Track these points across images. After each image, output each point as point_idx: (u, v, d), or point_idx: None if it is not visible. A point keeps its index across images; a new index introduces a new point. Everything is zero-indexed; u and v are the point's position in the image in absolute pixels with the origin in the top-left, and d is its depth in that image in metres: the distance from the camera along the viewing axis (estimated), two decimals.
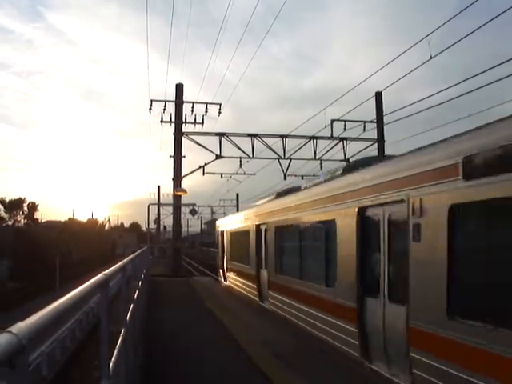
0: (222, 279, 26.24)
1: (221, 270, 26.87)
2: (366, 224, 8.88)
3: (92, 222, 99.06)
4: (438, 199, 6.40)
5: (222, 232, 26.53)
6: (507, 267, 5.42)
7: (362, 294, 8.76)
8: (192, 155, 34.82)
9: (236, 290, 21.60)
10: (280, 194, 16.27)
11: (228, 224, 25.29)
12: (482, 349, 5.45)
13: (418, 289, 6.80)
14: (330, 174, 12.12)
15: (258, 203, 19.35)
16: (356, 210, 9.02)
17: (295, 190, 14.78)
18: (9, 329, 1.46)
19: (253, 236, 18.19)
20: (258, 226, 17.58)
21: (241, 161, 29.61)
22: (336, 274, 10.09)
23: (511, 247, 5.43)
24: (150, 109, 28.54)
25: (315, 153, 29.73)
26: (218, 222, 30.63)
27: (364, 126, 30.17)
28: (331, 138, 29.65)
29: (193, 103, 28.73)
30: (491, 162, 5.48)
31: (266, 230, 16.54)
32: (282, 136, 29.22)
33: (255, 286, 17.72)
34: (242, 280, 20.66)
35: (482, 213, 6.09)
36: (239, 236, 21.55)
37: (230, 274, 24.05)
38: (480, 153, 5.65)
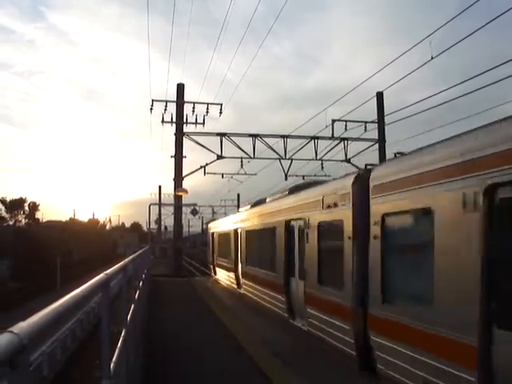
0: (213, 273, 30.06)
1: (211, 266, 30.51)
2: (288, 231, 13.45)
3: (93, 222, 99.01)
4: (314, 219, 11.06)
5: (212, 233, 30.31)
6: (333, 253, 9.96)
7: (287, 275, 13.34)
8: (193, 155, 34.86)
9: (221, 281, 26.04)
10: (253, 205, 20.03)
11: (216, 227, 29.50)
12: (332, 301, 9.75)
13: (308, 270, 11.36)
14: (280, 193, 16.16)
15: (240, 210, 24.45)
16: (284, 222, 13.64)
17: (261, 201, 18.74)
18: (10, 329, 1.46)
19: (232, 237, 22.32)
20: (235, 230, 21.78)
21: (242, 161, 29.62)
22: (275, 264, 14.57)
23: (331, 241, 10.39)
24: (151, 109, 28.55)
25: (316, 153, 29.72)
26: (209, 225, 34.14)
27: (365, 127, 30.15)
28: (332, 138, 29.62)
29: (194, 103, 28.72)
30: (330, 200, 10.08)
31: (240, 233, 20.67)
32: (283, 136, 29.21)
33: (234, 277, 21.87)
34: (226, 273, 24.50)
35: (325, 226, 10.64)
36: (224, 237, 25.35)
37: (217, 269, 27.70)
38: (325, 196, 10.46)
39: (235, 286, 21.47)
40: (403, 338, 6.92)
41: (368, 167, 9.33)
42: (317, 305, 10.69)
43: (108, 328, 3.65)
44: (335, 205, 9.70)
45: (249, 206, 20.77)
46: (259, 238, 17.38)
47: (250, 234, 18.89)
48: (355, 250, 8.67)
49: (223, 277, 25.43)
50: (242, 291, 20.10)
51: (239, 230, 20.82)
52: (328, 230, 10.47)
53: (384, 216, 7.78)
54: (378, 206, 7.97)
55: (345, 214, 9.13)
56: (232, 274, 22.18)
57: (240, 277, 20.53)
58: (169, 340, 10.87)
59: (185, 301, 18.64)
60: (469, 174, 5.71)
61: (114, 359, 4.00)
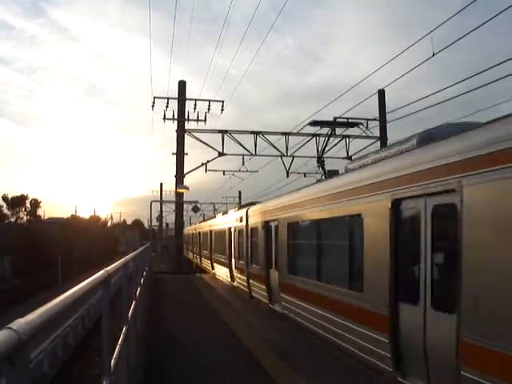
0: (198, 261, 40.59)
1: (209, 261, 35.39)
2: (230, 233, 23.45)
3: (94, 219, 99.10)
4: (237, 226, 21.57)
5: (192, 234, 45.70)
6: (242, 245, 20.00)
7: (230, 258, 23.09)
8: (195, 152, 35.03)
9: (203, 266, 36.79)
10: (224, 212, 30.00)
11: (193, 229, 46.70)
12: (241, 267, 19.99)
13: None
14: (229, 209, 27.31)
15: (218, 215, 31.94)
16: (227, 228, 23.88)
17: (225, 212, 29.33)
18: (8, 325, 1.44)
19: (208, 236, 32.63)
20: (210, 231, 32.06)
21: (243, 158, 29.56)
22: (225, 250, 24.26)
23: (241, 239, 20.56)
24: (153, 106, 28.47)
25: (318, 150, 29.66)
26: (186, 229, 47.82)
27: (367, 124, 30.10)
28: (334, 135, 29.56)
29: (195, 100, 28.71)
30: (240, 218, 21.03)
31: (210, 232, 31.77)
32: (285, 133, 29.15)
33: (210, 263, 31.71)
34: (205, 260, 35.05)
35: (240, 231, 20.76)
36: (204, 236, 36.29)
37: (202, 258, 37.91)
38: (240, 216, 21.10)
39: (210, 269, 31.76)
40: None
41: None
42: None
43: (109, 325, 3.64)
44: (241, 220, 20.56)
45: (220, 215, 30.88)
46: (220, 237, 27.26)
47: (214, 234, 30.72)
48: (246, 242, 19.53)
49: (205, 262, 35.90)
50: (215, 273, 29.64)
51: (208, 231, 33.31)
52: (240, 233, 21.07)
53: (251, 226, 18.88)
54: (249, 222, 19.17)
55: (243, 225, 20.03)
56: (208, 261, 32.72)
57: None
58: (169, 335, 10.89)
59: (185, 300, 18.65)
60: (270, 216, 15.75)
61: (114, 356, 3.99)
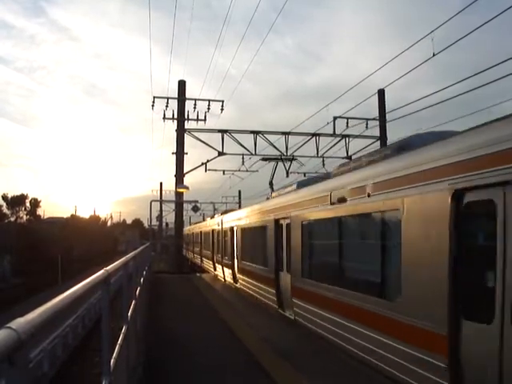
0: (191, 257, 45.20)
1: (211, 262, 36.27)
2: (217, 233, 27.59)
3: (94, 219, 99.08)
4: (218, 229, 26.71)
5: (187, 234, 48.90)
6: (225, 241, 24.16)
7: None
8: (194, 152, 35.07)
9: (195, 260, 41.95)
10: (211, 217, 36.22)
11: (187, 230, 50.24)
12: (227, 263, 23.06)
13: (219, 249, 25.92)
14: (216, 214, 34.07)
15: (207, 219, 37.34)
16: (217, 229, 26.71)
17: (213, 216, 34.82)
18: (8, 324, 1.44)
19: (199, 236, 38.51)
20: (200, 232, 37.08)
21: (243, 158, 29.57)
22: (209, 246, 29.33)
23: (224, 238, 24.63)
24: (153, 106, 28.48)
25: (317, 150, 29.68)
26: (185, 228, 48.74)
27: (366, 124, 30.12)
28: (334, 135, 29.59)
29: (195, 100, 28.72)
30: (217, 223, 27.99)
31: (201, 233, 36.80)
32: (285, 133, 29.16)
33: (199, 257, 38.09)
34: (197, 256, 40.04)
35: (218, 232, 26.72)
36: (196, 235, 41.46)
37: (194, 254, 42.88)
38: (216, 222, 27.96)
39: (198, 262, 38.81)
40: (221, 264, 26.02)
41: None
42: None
43: (108, 324, 3.64)
44: (219, 225, 26.18)
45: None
46: (206, 237, 32.71)
47: (203, 235, 35.99)
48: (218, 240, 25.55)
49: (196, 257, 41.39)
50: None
51: (198, 232, 39.60)
52: (218, 234, 26.36)
53: (224, 229, 24.17)
54: (224, 226, 24.22)
55: (220, 228, 25.50)
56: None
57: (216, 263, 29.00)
58: (169, 334, 10.90)
59: (186, 299, 18.65)
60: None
61: (114, 355, 3.99)
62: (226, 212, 27.91)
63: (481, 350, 5.25)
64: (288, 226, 12.88)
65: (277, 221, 14.01)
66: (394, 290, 7.18)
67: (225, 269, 24.03)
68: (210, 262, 30.49)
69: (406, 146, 7.95)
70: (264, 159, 22.24)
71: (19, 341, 1.41)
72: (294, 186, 13.80)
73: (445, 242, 5.84)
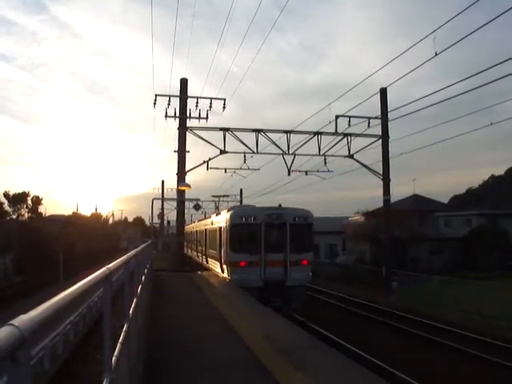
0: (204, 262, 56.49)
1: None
2: (208, 232, 30.66)
3: (96, 217, 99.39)
4: (201, 229, 37.21)
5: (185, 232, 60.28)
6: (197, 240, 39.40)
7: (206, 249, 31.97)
8: (196, 150, 35.11)
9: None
10: (199, 220, 48.29)
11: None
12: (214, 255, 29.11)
13: (205, 246, 32.64)
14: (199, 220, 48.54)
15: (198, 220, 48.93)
16: (204, 228, 33.01)
17: (202, 219, 46.25)
18: (11, 322, 1.45)
19: (192, 235, 44.52)
20: (191, 232, 45.16)
21: (245, 156, 29.63)
22: (205, 245, 32.89)
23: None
24: (155, 104, 28.52)
25: (319, 148, 29.69)
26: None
27: (368, 122, 30.12)
28: (335, 133, 29.60)
29: (197, 98, 28.71)
30: (192, 229, 45.16)
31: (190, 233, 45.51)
32: (287, 131, 29.19)
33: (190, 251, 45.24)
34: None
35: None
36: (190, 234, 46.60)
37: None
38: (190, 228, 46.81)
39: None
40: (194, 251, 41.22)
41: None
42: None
43: (110, 322, 3.65)
44: (194, 229, 43.16)
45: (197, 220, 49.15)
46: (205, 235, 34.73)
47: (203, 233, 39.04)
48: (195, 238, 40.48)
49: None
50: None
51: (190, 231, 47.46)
52: (192, 234, 42.94)
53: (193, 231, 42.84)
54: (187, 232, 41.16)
55: (193, 230, 43.27)
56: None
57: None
58: (170, 330, 10.93)
59: (186, 298, 18.68)
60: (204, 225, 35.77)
61: (115, 353, 4.00)
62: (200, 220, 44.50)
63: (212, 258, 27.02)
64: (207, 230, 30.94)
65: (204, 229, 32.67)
66: (211, 248, 26.98)
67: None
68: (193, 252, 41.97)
69: (218, 213, 29.35)
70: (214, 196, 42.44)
71: (22, 338, 1.41)
72: (214, 215, 32.69)
73: (217, 238, 24.76)
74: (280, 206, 22.67)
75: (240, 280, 20.43)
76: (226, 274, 22.69)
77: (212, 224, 28.20)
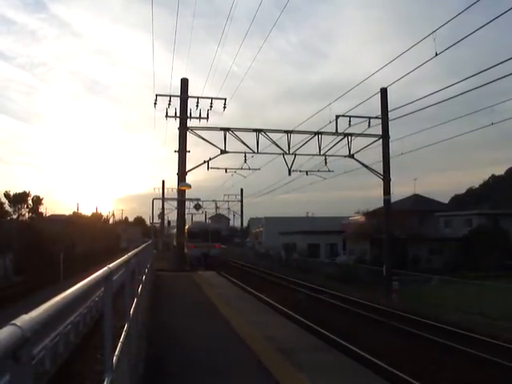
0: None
1: None
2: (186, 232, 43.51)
3: (96, 216, 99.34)
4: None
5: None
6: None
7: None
8: (197, 150, 35.12)
9: None
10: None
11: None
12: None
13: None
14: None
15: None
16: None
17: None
18: (13, 321, 1.45)
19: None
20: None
21: (245, 156, 29.65)
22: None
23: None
24: (155, 103, 28.55)
25: (320, 148, 29.70)
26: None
27: (369, 122, 30.13)
28: (336, 133, 29.61)
29: (198, 98, 28.72)
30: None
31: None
32: (287, 131, 29.21)
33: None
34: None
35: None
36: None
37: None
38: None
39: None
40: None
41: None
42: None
43: (111, 322, 3.65)
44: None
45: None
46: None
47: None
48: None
49: None
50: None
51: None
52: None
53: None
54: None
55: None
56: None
57: None
58: (171, 330, 10.94)
59: (186, 297, 18.70)
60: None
61: (116, 353, 4.00)
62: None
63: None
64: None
65: None
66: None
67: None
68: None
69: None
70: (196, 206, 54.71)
71: (23, 338, 1.42)
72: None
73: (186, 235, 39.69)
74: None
75: (191, 254, 45.64)
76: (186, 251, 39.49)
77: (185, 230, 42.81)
